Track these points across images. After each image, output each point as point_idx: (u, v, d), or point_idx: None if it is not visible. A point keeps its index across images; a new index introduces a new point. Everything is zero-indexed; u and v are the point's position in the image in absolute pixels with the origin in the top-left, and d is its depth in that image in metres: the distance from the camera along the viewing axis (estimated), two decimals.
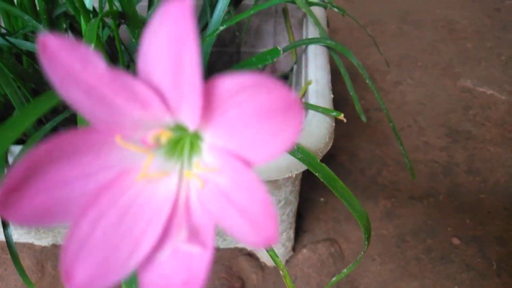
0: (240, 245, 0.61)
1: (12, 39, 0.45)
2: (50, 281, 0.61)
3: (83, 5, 0.31)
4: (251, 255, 0.61)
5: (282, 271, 0.33)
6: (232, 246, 0.61)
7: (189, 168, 0.18)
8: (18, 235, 0.62)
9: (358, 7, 1.27)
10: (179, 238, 0.17)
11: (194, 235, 0.17)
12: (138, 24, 0.34)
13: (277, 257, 0.32)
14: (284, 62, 0.68)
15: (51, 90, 0.48)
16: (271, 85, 0.14)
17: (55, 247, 0.63)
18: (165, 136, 0.17)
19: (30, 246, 0.64)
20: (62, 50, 0.13)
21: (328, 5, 0.54)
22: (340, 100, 0.80)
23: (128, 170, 0.18)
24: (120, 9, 0.36)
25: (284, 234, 0.56)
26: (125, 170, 0.17)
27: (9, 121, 0.23)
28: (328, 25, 0.60)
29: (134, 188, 0.18)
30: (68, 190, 0.16)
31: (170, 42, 0.14)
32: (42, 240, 0.62)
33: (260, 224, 0.16)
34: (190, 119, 0.16)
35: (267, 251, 0.32)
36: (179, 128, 0.18)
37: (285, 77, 0.65)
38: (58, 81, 0.14)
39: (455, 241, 0.65)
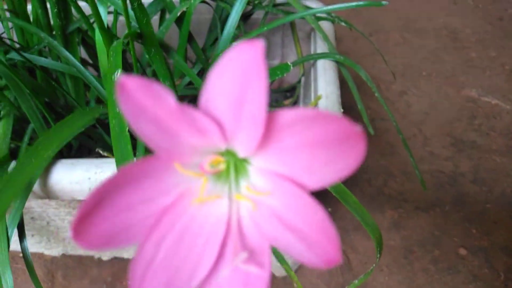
0: None
1: (27, 55, 0.46)
2: None
3: (103, 26, 0.31)
4: None
5: (296, 284, 0.33)
6: None
7: (237, 191, 0.19)
8: (30, 245, 0.62)
9: (362, 16, 1.28)
10: (238, 259, 0.18)
11: (250, 255, 0.18)
12: (154, 43, 0.35)
13: (291, 270, 0.33)
14: (291, 73, 0.68)
15: (64, 105, 0.48)
16: (330, 117, 0.15)
17: (65, 257, 0.64)
18: (222, 163, 0.18)
19: (40, 256, 0.64)
20: (138, 89, 0.15)
21: (336, 19, 0.55)
22: (347, 109, 0.81)
23: (184, 194, 0.19)
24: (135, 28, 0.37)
25: None
26: (181, 194, 0.18)
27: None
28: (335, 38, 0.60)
29: (190, 211, 0.19)
30: (132, 214, 0.17)
31: (238, 80, 0.15)
32: (53, 250, 0.63)
33: (319, 246, 0.17)
34: (245, 147, 0.17)
35: (282, 265, 0.33)
36: (228, 153, 0.18)
37: (293, 89, 0.66)
38: (131, 116, 0.15)
39: (462, 251, 0.65)
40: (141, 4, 0.32)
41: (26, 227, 0.57)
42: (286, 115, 0.16)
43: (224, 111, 0.16)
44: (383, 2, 0.41)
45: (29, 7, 0.49)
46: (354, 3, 0.44)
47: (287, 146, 0.16)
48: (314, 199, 0.17)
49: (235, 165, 0.19)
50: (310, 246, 0.17)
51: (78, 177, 0.38)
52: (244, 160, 0.19)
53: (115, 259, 0.64)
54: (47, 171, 0.39)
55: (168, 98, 0.15)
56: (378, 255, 0.35)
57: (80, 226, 0.16)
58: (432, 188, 0.75)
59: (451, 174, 0.77)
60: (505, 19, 1.27)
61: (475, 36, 1.20)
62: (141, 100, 0.15)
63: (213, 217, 0.19)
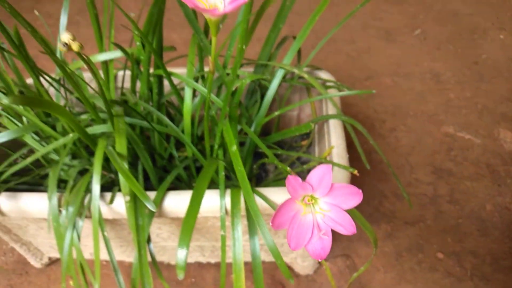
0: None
1: (136, 120, 0.68)
2: None
3: (189, 101, 0.54)
4: (288, 267, 0.82)
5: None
6: (274, 260, 0.82)
7: (315, 210, 0.43)
8: (117, 254, 0.83)
9: (357, 62, 1.50)
10: (320, 233, 0.41)
11: (323, 233, 0.41)
12: (234, 118, 0.57)
13: (286, 266, 0.54)
14: (307, 118, 0.90)
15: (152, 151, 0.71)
16: (348, 186, 0.39)
17: None
18: (311, 199, 0.41)
19: (120, 263, 0.85)
20: (292, 179, 0.38)
21: (340, 86, 0.77)
22: (351, 152, 1.02)
23: (298, 211, 0.42)
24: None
25: None
26: (297, 211, 0.42)
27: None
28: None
29: (300, 217, 0.42)
30: (285, 217, 0.41)
31: (322, 175, 0.39)
32: (131, 257, 0.83)
33: (348, 228, 0.40)
34: (320, 194, 0.41)
35: (276, 261, 0.54)
36: (311, 196, 0.42)
37: (309, 132, 0.88)
38: (289, 189, 0.39)
39: (440, 255, 0.86)
40: (232, 94, 0.54)
41: (119, 240, 0.78)
42: (335, 185, 0.40)
43: (315, 182, 0.40)
44: (373, 91, 0.64)
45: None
46: (353, 91, 0.66)
47: (334, 194, 0.40)
48: (346, 212, 0.40)
49: (313, 200, 0.42)
50: (345, 228, 0.41)
51: (180, 202, 0.59)
52: (318, 198, 0.42)
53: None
54: (164, 197, 0.60)
55: (299, 179, 0.39)
56: (375, 248, 0.56)
57: (273, 221, 0.40)
58: (417, 207, 0.96)
59: (432, 196, 0.98)
60: (479, 63, 1.48)
61: (455, 79, 1.41)
62: (292, 182, 0.38)
63: (308, 219, 0.43)
